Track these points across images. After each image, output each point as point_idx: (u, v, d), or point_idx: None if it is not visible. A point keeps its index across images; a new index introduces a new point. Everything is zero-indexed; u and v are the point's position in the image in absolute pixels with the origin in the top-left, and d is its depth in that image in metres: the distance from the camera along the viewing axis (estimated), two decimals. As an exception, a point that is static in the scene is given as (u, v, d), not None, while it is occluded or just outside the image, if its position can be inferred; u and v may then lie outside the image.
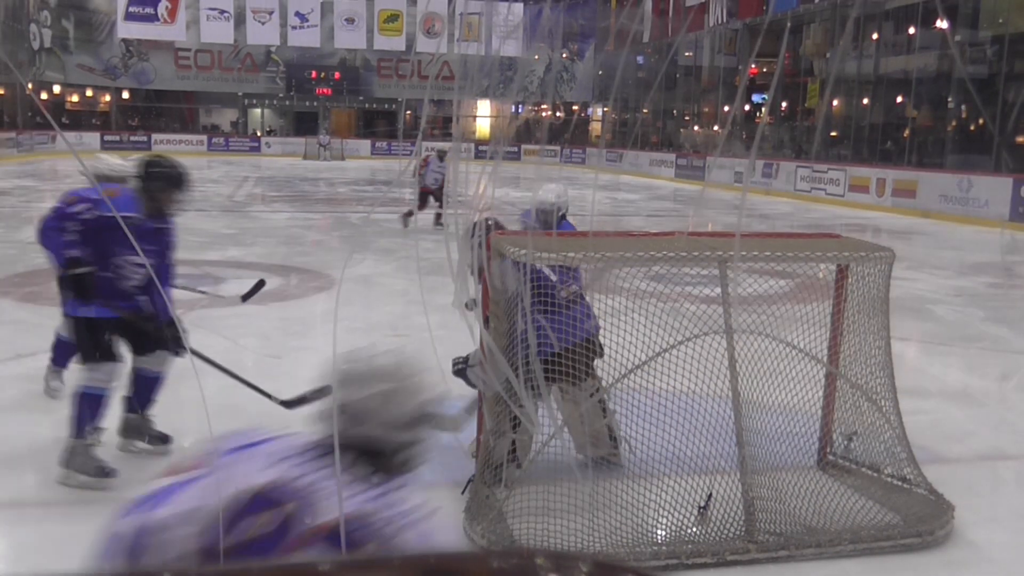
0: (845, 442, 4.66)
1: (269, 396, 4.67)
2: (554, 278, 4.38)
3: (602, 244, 4.21)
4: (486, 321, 4.00)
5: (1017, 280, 12.52)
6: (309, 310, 8.31)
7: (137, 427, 4.83)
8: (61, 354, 5.55)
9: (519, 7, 38.13)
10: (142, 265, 4.40)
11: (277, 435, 1.92)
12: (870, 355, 4.46)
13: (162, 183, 4.52)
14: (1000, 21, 21.35)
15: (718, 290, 4.07)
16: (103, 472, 4.41)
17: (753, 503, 3.92)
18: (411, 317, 7.50)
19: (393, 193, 16.27)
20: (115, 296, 4.43)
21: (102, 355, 4.41)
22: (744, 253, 3.99)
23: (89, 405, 4.39)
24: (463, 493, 4.28)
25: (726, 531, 3.94)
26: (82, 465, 4.39)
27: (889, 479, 4.47)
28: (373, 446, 1.83)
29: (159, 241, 4.56)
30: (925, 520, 4.09)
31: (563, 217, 5.27)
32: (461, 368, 4.66)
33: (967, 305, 10.04)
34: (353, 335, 7.22)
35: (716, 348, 4.03)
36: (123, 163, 5.75)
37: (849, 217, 19.90)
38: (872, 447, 4.50)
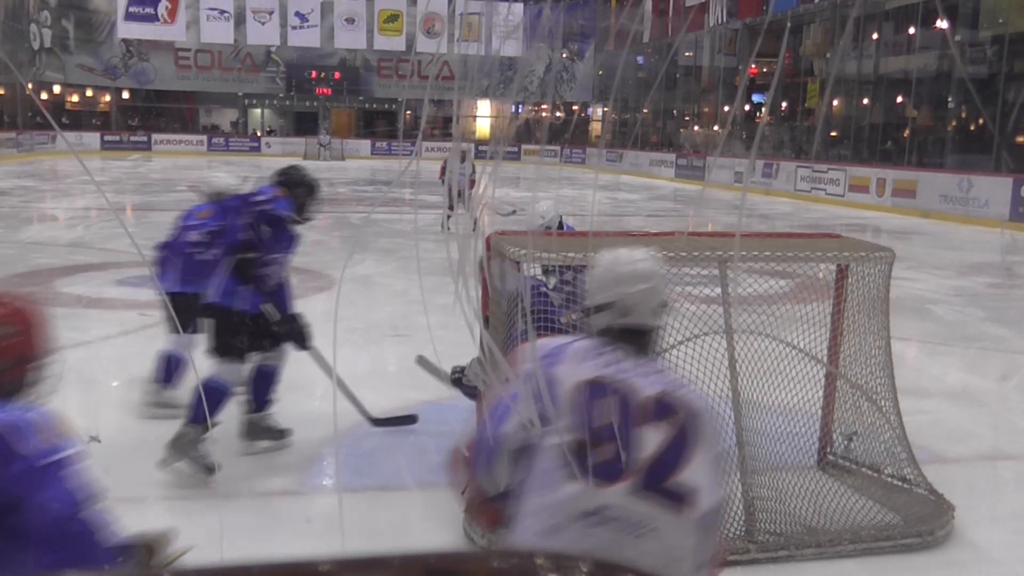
0: (845, 442, 4.66)
1: (361, 409, 4.93)
2: (557, 303, 4.40)
3: (602, 244, 4.21)
4: (486, 321, 4.00)
5: (1017, 280, 12.52)
6: (309, 310, 8.26)
7: (259, 427, 4.92)
8: (172, 371, 5.44)
9: (519, 7, 38.14)
10: (281, 264, 4.75)
11: (571, 340, 2.26)
12: (870, 355, 4.46)
13: (306, 188, 4.87)
14: (1000, 21, 21.36)
15: (718, 290, 4.07)
16: (207, 468, 4.42)
17: (753, 503, 3.93)
18: (411, 317, 7.50)
19: (393, 193, 16.26)
20: (258, 291, 4.66)
21: (239, 351, 4.59)
22: (744, 253, 3.99)
23: (215, 398, 4.48)
24: (463, 493, 4.28)
25: (726, 531, 3.94)
26: (189, 453, 4.43)
27: (889, 479, 4.47)
28: (641, 331, 2.20)
29: (293, 242, 4.87)
30: (925, 520, 4.09)
31: (560, 225, 5.35)
32: (458, 378, 4.67)
33: (967, 305, 10.04)
34: (353, 335, 7.21)
35: (716, 348, 4.04)
36: (237, 183, 6.09)
37: (849, 217, 19.90)
38: (872, 447, 4.50)
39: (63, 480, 1.91)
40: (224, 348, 4.57)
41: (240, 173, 29.38)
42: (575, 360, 2.14)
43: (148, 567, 2.03)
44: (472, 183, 13.38)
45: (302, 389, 5.68)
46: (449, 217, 13.46)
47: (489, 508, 2.20)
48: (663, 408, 2.07)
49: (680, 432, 2.07)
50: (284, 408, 5.16)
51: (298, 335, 4.79)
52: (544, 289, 4.43)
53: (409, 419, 5.37)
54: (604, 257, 2.27)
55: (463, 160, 13.66)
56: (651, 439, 2.04)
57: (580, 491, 2.01)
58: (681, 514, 2.02)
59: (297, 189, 4.85)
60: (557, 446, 2.03)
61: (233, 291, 4.57)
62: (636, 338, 2.18)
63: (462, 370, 4.61)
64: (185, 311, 5.16)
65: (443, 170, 13.99)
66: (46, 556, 1.88)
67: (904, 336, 7.03)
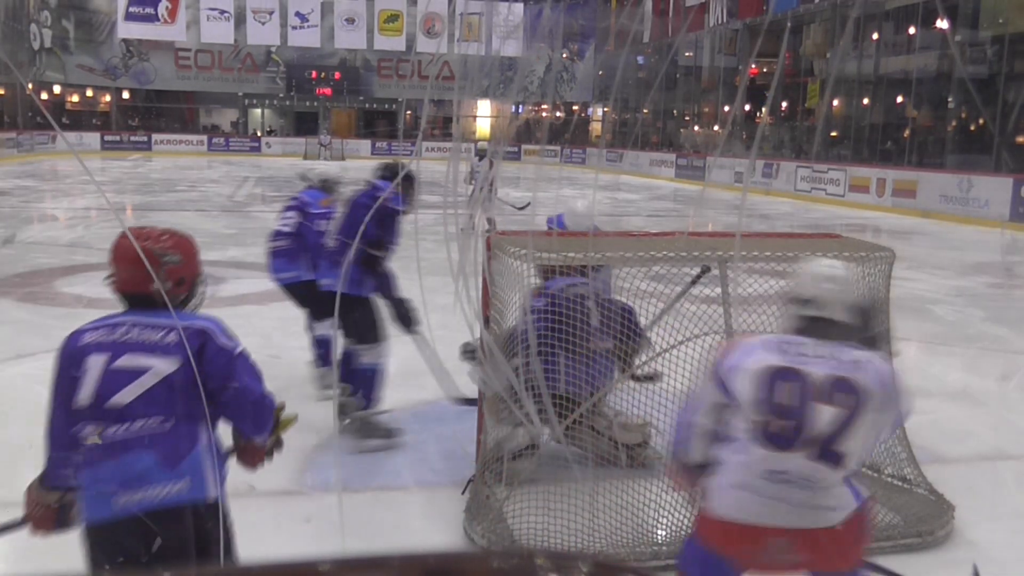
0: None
1: (449, 387, 5.31)
2: (595, 322, 4.41)
3: (602, 244, 4.21)
4: (486, 321, 4.00)
5: (1017, 280, 12.52)
6: (309, 310, 8.30)
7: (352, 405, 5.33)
8: (328, 354, 5.70)
9: (519, 7, 38.15)
10: (391, 253, 5.11)
11: (762, 336, 2.88)
12: (870, 355, 4.45)
13: (408, 182, 5.21)
14: (1000, 21, 21.35)
15: (718, 290, 4.07)
16: (391, 433, 5.04)
17: (753, 503, 3.92)
18: (411, 317, 7.49)
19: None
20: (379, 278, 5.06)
21: (380, 332, 5.03)
22: (744, 253, 3.99)
23: (377, 379, 5.03)
24: (463, 493, 4.28)
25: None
26: (375, 431, 5.02)
27: (889, 479, 4.47)
28: (831, 323, 2.67)
29: (400, 232, 5.20)
30: (925, 520, 4.09)
31: None
32: (471, 353, 4.72)
33: (967, 305, 10.04)
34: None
35: (716, 348, 4.03)
36: (337, 172, 6.86)
37: (849, 217, 19.90)
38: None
39: (251, 367, 2.63)
40: (375, 333, 5.00)
41: (240, 173, 29.38)
42: (764, 351, 2.64)
43: (276, 429, 2.85)
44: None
45: (301, 389, 5.69)
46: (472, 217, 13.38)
47: (686, 475, 2.80)
48: (838, 389, 2.55)
49: (852, 408, 2.54)
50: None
51: (408, 318, 5.11)
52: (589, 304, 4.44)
53: (474, 401, 5.58)
54: (810, 263, 2.85)
55: (481, 159, 13.65)
56: (825, 415, 2.54)
57: (764, 456, 2.55)
58: (837, 470, 2.55)
59: (403, 182, 5.16)
60: (747, 421, 2.59)
61: (360, 280, 4.92)
62: (826, 329, 2.66)
63: (472, 350, 4.63)
64: (310, 299, 5.63)
65: (471, 172, 13.96)
66: (246, 421, 2.67)
67: (904, 336, 7.02)
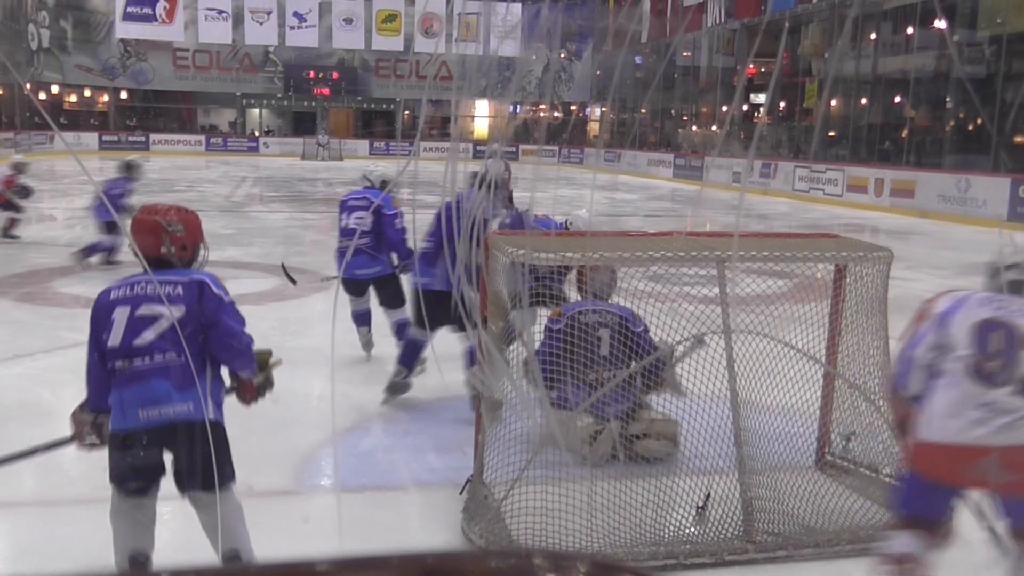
0: (843, 442, 4.66)
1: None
2: (604, 351, 4.52)
3: (600, 244, 4.21)
4: (484, 321, 4.01)
5: (1015, 280, 12.51)
6: (308, 310, 8.32)
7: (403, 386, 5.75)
8: (415, 355, 5.81)
9: (517, 7, 38.11)
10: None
11: (972, 291, 3.26)
12: (868, 355, 4.46)
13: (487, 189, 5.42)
14: (998, 21, 21.35)
15: (716, 290, 4.07)
16: (499, 403, 5.24)
17: (751, 503, 3.93)
18: (409, 317, 7.49)
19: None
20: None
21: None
22: (742, 253, 3.99)
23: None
24: (461, 493, 4.28)
25: (724, 531, 3.94)
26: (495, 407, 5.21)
27: (887, 479, 4.46)
28: None
29: None
30: (923, 520, 4.09)
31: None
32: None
33: (965, 305, 10.01)
34: (351, 335, 7.21)
35: (714, 348, 4.04)
36: (390, 172, 7.34)
37: (847, 217, 19.90)
38: (870, 447, 4.50)
39: (236, 312, 3.28)
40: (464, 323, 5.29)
41: (238, 173, 29.35)
42: (974, 306, 3.13)
43: (264, 369, 3.45)
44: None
45: (299, 389, 5.69)
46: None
47: (904, 407, 3.22)
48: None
49: None
50: (281, 408, 5.16)
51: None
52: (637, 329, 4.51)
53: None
54: (1013, 235, 3.31)
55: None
56: None
57: (975, 391, 3.00)
58: None
59: (488, 188, 5.48)
60: (959, 360, 3.05)
61: (446, 281, 5.13)
62: None
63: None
64: (389, 290, 6.13)
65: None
66: (232, 356, 3.29)
67: (902, 336, 7.02)
